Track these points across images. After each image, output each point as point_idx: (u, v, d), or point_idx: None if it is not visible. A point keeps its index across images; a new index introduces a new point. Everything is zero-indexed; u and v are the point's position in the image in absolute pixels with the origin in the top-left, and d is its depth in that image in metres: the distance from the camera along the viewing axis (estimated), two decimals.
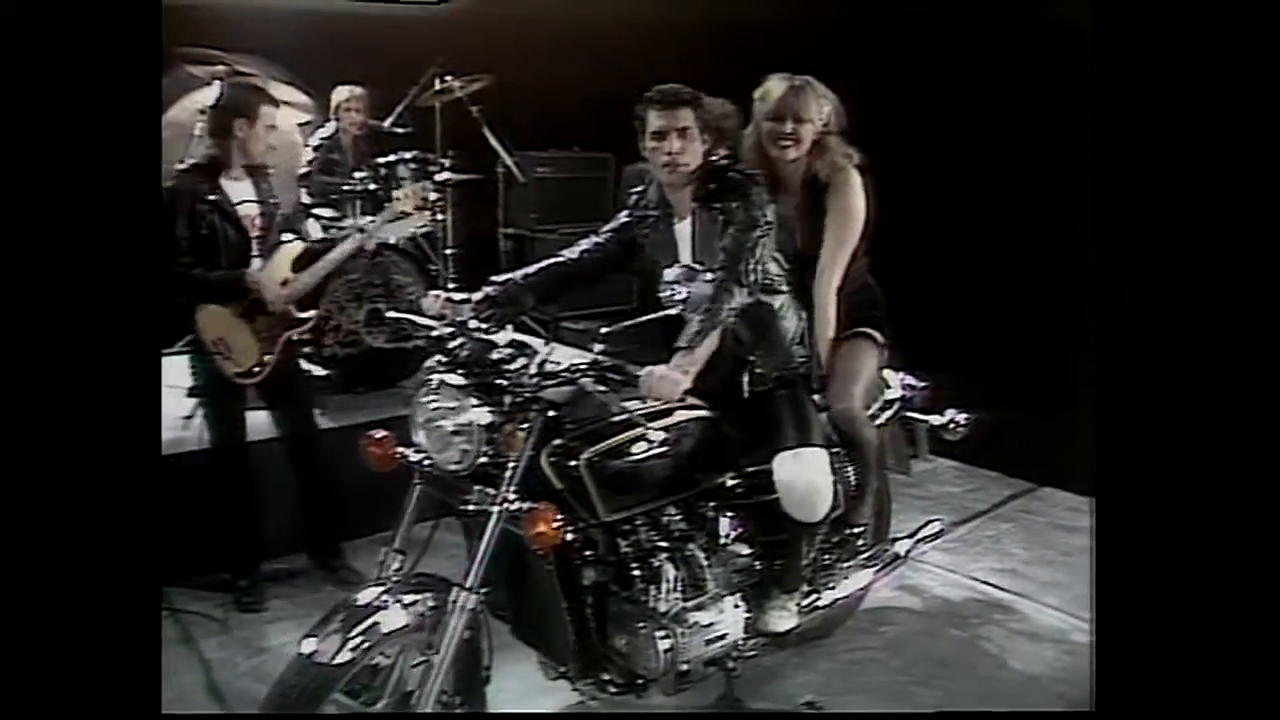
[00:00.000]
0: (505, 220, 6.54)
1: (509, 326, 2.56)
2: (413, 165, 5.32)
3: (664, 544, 2.59)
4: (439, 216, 5.55)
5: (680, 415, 2.62)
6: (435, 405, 2.36)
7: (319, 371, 4.75)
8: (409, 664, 2.26)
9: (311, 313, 3.76)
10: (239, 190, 3.54)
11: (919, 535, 3.39)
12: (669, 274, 2.58)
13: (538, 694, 2.84)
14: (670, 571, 2.57)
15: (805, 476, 2.66)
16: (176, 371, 4.51)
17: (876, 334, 3.01)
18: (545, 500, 2.27)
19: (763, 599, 2.78)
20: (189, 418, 4.07)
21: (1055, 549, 4.13)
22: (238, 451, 3.68)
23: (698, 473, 2.68)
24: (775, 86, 2.88)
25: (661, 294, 2.57)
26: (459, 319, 2.55)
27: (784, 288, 2.77)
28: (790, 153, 2.86)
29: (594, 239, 2.85)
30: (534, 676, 2.71)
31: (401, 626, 2.18)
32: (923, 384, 3.33)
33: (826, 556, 3.02)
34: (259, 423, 3.77)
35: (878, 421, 3.10)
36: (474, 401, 2.30)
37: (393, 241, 4.73)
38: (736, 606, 2.69)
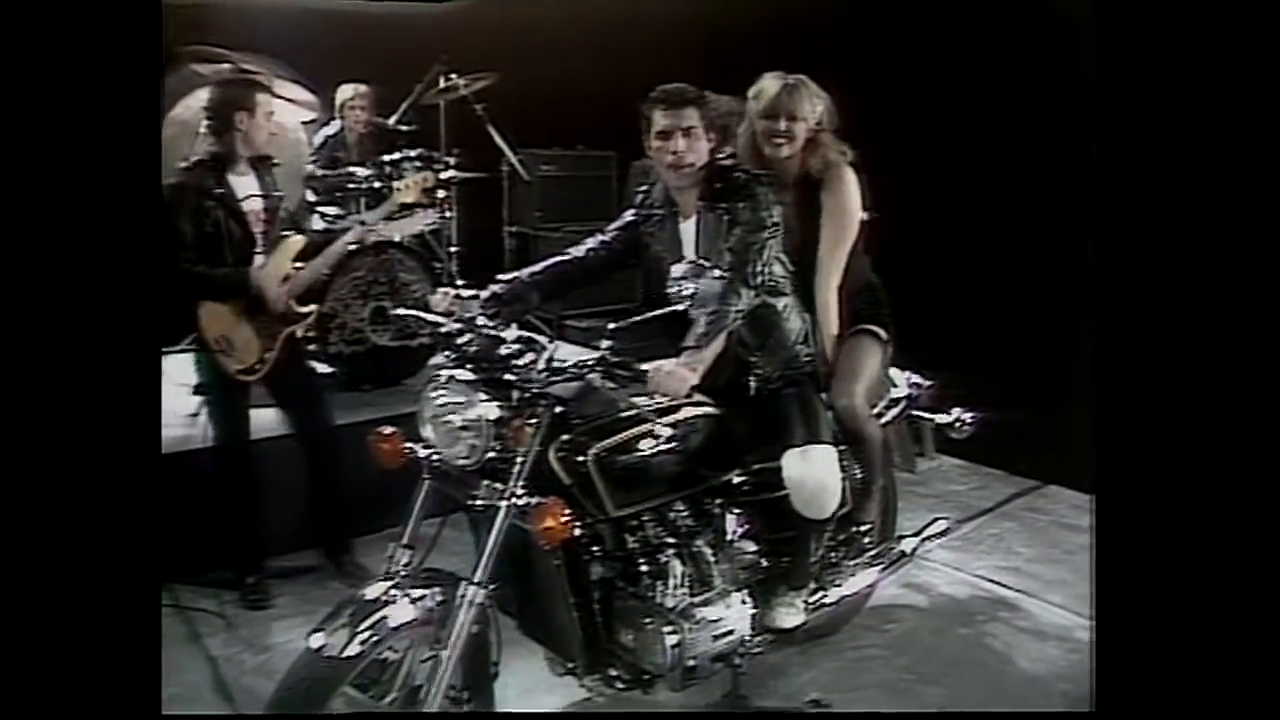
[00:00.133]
0: (509, 218, 6.55)
1: (514, 325, 2.56)
2: (417, 163, 5.33)
3: (671, 540, 2.60)
4: (447, 214, 5.56)
5: (687, 412, 2.62)
6: (444, 401, 2.36)
7: (324, 369, 4.76)
8: (417, 659, 2.26)
9: (312, 307, 3.76)
10: (244, 185, 3.55)
11: (925, 533, 3.38)
12: (676, 270, 2.59)
13: (545, 689, 2.84)
14: (677, 567, 2.57)
15: (814, 474, 2.66)
16: (182, 369, 4.53)
17: (880, 331, 3.01)
18: (553, 496, 2.27)
19: (770, 595, 2.78)
20: (194, 415, 4.08)
21: (1059, 547, 4.13)
22: (242, 449, 3.68)
23: (705, 469, 2.68)
24: (769, 85, 2.89)
25: (669, 290, 2.58)
26: (467, 315, 2.56)
27: (787, 289, 2.77)
28: (784, 150, 2.87)
29: (600, 237, 2.86)
30: (541, 672, 2.71)
31: (410, 621, 2.19)
32: (929, 382, 3.34)
33: (833, 554, 3.03)
34: (264, 420, 3.77)
35: (884, 420, 3.11)
36: (482, 397, 2.30)
37: (398, 239, 4.73)
38: (744, 603, 2.70)
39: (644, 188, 2.84)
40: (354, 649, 2.11)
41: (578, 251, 2.84)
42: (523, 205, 6.57)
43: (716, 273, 2.51)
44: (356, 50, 5.98)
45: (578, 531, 2.30)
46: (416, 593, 2.23)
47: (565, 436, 2.42)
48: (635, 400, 2.40)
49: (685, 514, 2.65)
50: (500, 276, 2.77)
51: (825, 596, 2.96)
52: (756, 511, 2.80)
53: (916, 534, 3.37)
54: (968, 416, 3.33)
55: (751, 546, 2.80)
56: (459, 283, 4.91)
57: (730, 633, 2.64)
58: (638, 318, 2.45)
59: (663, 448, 2.54)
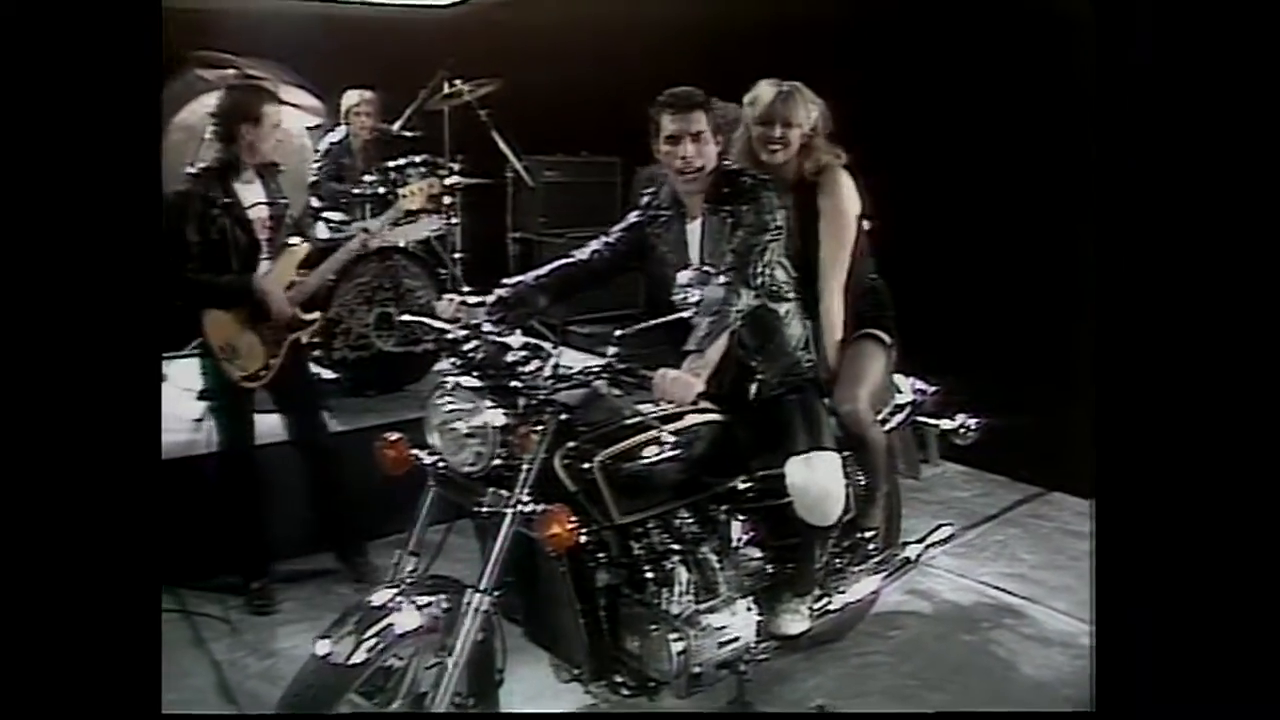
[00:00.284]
0: (513, 224, 6.56)
1: (519, 329, 2.57)
2: (422, 169, 5.34)
3: (677, 547, 2.60)
4: (452, 220, 5.57)
5: (692, 418, 2.62)
6: (450, 407, 2.37)
7: (329, 375, 4.77)
8: (423, 665, 2.27)
9: (316, 314, 3.77)
10: (250, 193, 3.55)
11: (929, 539, 3.39)
12: (682, 277, 2.59)
13: (550, 696, 2.84)
14: (683, 574, 2.57)
15: (817, 480, 2.66)
16: (187, 375, 4.54)
17: (884, 336, 3.02)
18: (558, 503, 2.27)
19: (775, 602, 2.78)
20: (199, 420, 4.08)
21: (1064, 554, 4.13)
22: (247, 454, 3.68)
23: (710, 476, 2.68)
24: (764, 92, 2.92)
25: (674, 297, 2.58)
26: (473, 322, 2.56)
27: (789, 294, 2.78)
28: (779, 156, 2.90)
29: (605, 239, 2.86)
30: (546, 679, 2.71)
31: (416, 628, 2.19)
32: (933, 388, 3.34)
33: (838, 560, 3.03)
34: (268, 425, 3.77)
35: (888, 426, 3.11)
36: (489, 403, 2.31)
37: (403, 245, 4.74)
38: (749, 609, 2.70)
39: (650, 189, 2.85)
40: (360, 656, 2.11)
41: (582, 254, 2.85)
42: (527, 211, 6.58)
43: (722, 279, 2.51)
44: (361, 56, 5.99)
45: (583, 538, 2.30)
46: (422, 599, 2.23)
47: (571, 443, 2.42)
48: (640, 407, 2.41)
49: (690, 521, 2.65)
50: (505, 280, 2.78)
51: (830, 603, 2.95)
52: (761, 518, 2.80)
53: (921, 540, 3.37)
54: (972, 422, 3.33)
55: (757, 553, 2.80)
56: (464, 288, 4.92)
57: (735, 639, 2.64)
58: (643, 325, 2.45)
59: (668, 454, 2.54)
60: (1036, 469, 4.79)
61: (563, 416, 2.37)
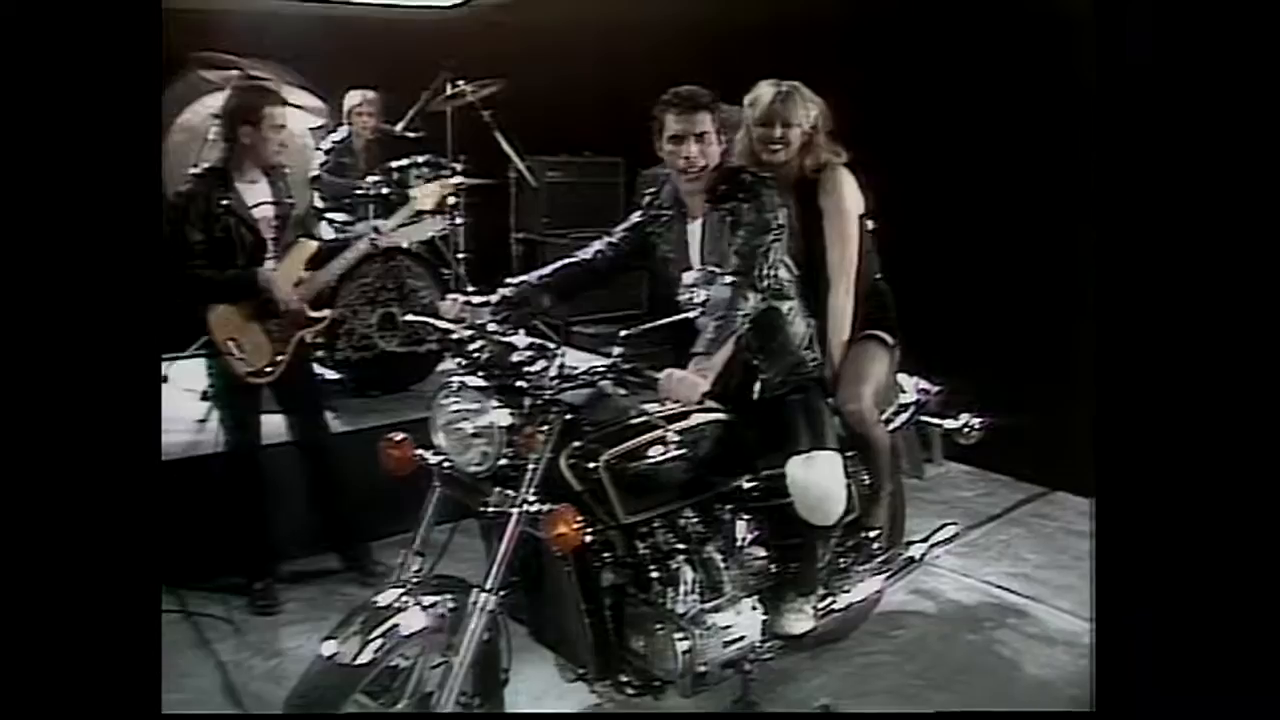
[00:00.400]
0: (517, 225, 6.56)
1: (523, 329, 2.57)
2: (425, 169, 5.34)
3: (682, 546, 2.60)
4: (457, 220, 5.57)
5: (697, 418, 2.63)
6: (456, 407, 2.37)
7: (332, 375, 4.77)
8: (429, 665, 2.27)
9: (325, 312, 3.78)
10: (255, 192, 3.56)
11: (933, 539, 3.39)
12: (688, 277, 2.59)
13: (555, 696, 2.85)
14: (688, 574, 2.57)
15: (817, 481, 2.66)
16: (189, 375, 4.56)
17: (886, 336, 3.02)
18: (564, 503, 2.27)
19: (779, 601, 2.78)
20: (203, 421, 4.09)
21: (1067, 553, 4.13)
22: (252, 454, 3.68)
23: (715, 475, 2.69)
24: (764, 93, 2.94)
25: (680, 297, 2.58)
26: (478, 322, 2.56)
27: (792, 293, 2.78)
28: (780, 156, 2.92)
29: (607, 238, 2.87)
30: (552, 678, 2.72)
31: (421, 628, 2.20)
32: (936, 388, 3.34)
33: (842, 560, 3.03)
34: (271, 425, 3.78)
35: (892, 426, 3.11)
36: (494, 403, 2.31)
37: (405, 245, 4.75)
38: (754, 609, 2.70)
39: (652, 190, 2.85)
40: (366, 656, 2.12)
41: (585, 254, 2.85)
42: (530, 211, 6.58)
43: (727, 279, 2.51)
44: (364, 56, 5.99)
45: (589, 538, 2.30)
46: (428, 600, 2.23)
47: (576, 443, 2.42)
48: (646, 407, 2.41)
49: (696, 520, 2.65)
50: (508, 280, 2.78)
51: (834, 602, 2.96)
52: (766, 517, 2.80)
53: (925, 540, 3.37)
54: (976, 422, 3.33)
55: (761, 552, 2.80)
56: (469, 288, 4.93)
57: (740, 639, 2.65)
58: (649, 325, 2.45)
59: (673, 454, 2.54)
60: (1039, 468, 4.79)
61: (568, 416, 2.37)
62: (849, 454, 2.88)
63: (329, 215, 5.37)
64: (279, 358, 3.60)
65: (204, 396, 4.32)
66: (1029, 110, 4.50)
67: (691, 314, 2.50)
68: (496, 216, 6.39)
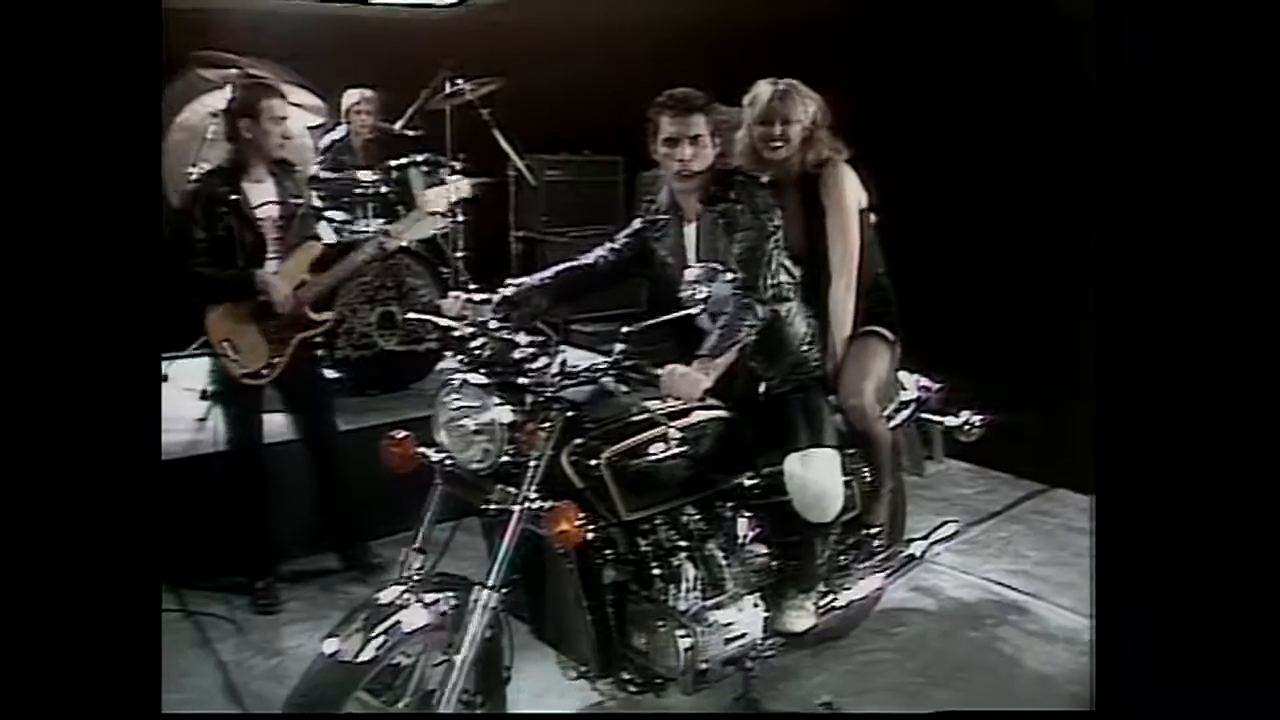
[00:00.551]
0: (516, 223, 6.55)
1: (523, 331, 2.57)
2: (424, 168, 5.33)
3: (683, 543, 2.60)
4: (457, 218, 5.57)
5: (699, 415, 2.62)
6: (458, 404, 2.37)
7: (331, 374, 4.76)
8: (430, 663, 2.27)
9: (327, 315, 3.76)
10: (260, 192, 3.55)
11: (933, 536, 3.39)
12: (690, 274, 2.59)
13: (557, 693, 2.85)
14: (690, 571, 2.58)
15: (815, 478, 2.66)
16: (190, 375, 4.55)
17: (887, 332, 3.02)
18: (566, 500, 2.26)
19: (780, 599, 2.78)
20: (202, 420, 4.09)
21: (1068, 550, 4.13)
22: (253, 453, 3.68)
23: (716, 473, 2.69)
24: (762, 91, 2.95)
25: (681, 294, 2.58)
26: (480, 319, 2.56)
27: (792, 294, 2.78)
28: (781, 153, 2.93)
29: (610, 244, 2.87)
30: (553, 676, 2.71)
31: (423, 625, 2.19)
32: (937, 385, 3.34)
33: (843, 557, 3.04)
34: (271, 424, 3.77)
35: (893, 423, 3.11)
36: (496, 400, 2.31)
37: (404, 244, 4.74)
38: (755, 606, 2.70)
39: (650, 196, 2.86)
40: (368, 654, 2.11)
41: (587, 259, 2.86)
42: (529, 210, 6.57)
43: (729, 275, 2.51)
44: (362, 55, 5.98)
45: (591, 535, 2.30)
46: (430, 597, 2.23)
47: (578, 440, 2.42)
48: (648, 404, 2.41)
49: (697, 517, 2.66)
50: (510, 281, 2.78)
51: (835, 600, 2.96)
52: (767, 515, 2.80)
53: (925, 537, 3.37)
54: (977, 419, 3.34)
55: (763, 550, 2.80)
56: (470, 286, 4.92)
57: (742, 636, 2.65)
58: (651, 321, 2.45)
59: (674, 451, 2.54)
60: (1040, 465, 4.79)
61: (570, 413, 2.38)
62: (850, 451, 2.88)
63: (327, 214, 5.35)
64: (276, 360, 3.58)
65: (204, 395, 4.33)
66: (1028, 110, 4.50)
67: (694, 310, 2.50)
68: (496, 215, 6.39)
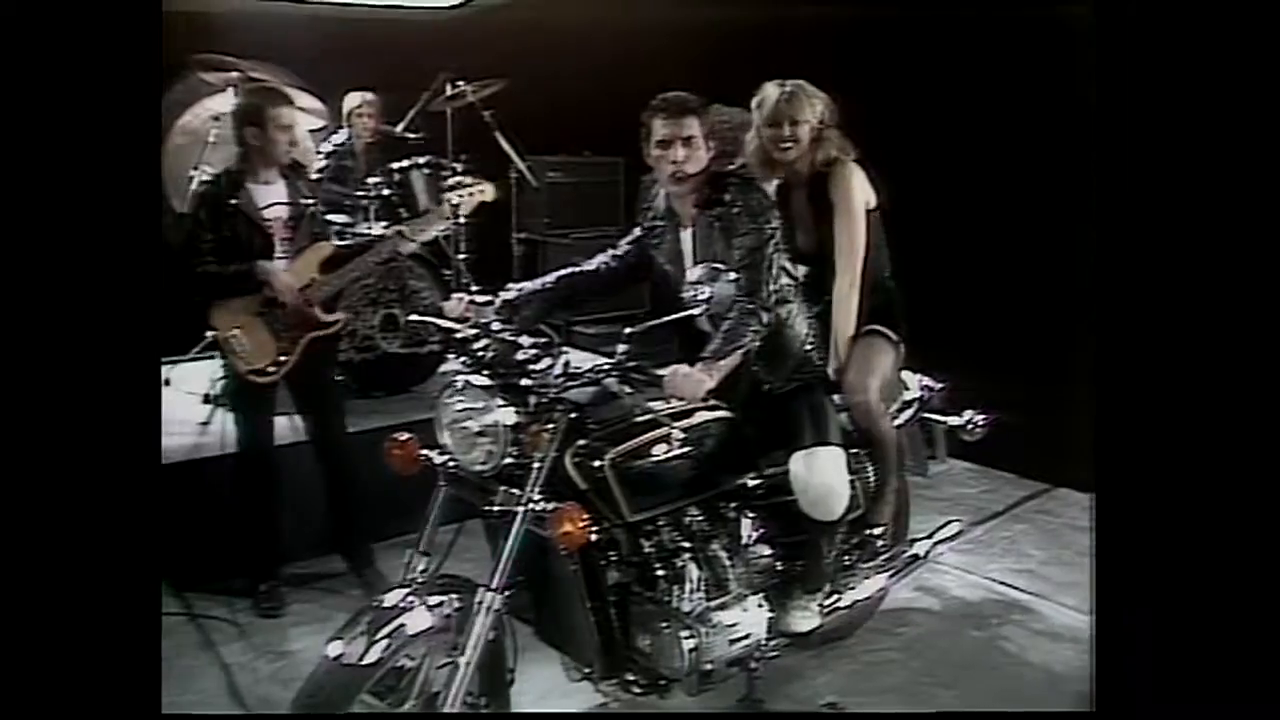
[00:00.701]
0: (517, 225, 6.54)
1: (525, 335, 2.57)
2: (426, 171, 5.32)
3: (687, 544, 2.60)
4: (460, 220, 5.56)
5: (702, 415, 2.63)
6: (461, 406, 2.37)
7: (335, 376, 4.76)
8: (435, 665, 2.26)
9: (338, 315, 3.75)
10: (269, 193, 3.53)
11: (937, 536, 3.39)
12: (692, 274, 2.59)
13: (561, 695, 2.85)
14: (694, 572, 2.57)
15: (820, 476, 2.67)
16: (192, 378, 4.55)
17: (890, 332, 3.02)
18: (570, 501, 2.27)
19: (785, 599, 2.78)
20: (205, 423, 4.09)
21: (1071, 549, 4.13)
22: (261, 455, 3.66)
23: (719, 473, 2.69)
24: (769, 93, 2.97)
25: (683, 294, 2.58)
26: (483, 321, 2.56)
27: (793, 296, 2.78)
28: (791, 153, 2.95)
29: (612, 251, 2.89)
30: (557, 677, 2.71)
31: (427, 628, 2.19)
32: (940, 385, 3.34)
33: (847, 557, 3.03)
34: (276, 427, 3.76)
35: (896, 422, 3.11)
36: (500, 402, 2.31)
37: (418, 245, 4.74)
38: (760, 606, 2.70)
39: (647, 204, 2.87)
40: (372, 656, 2.11)
41: (589, 265, 2.87)
42: (531, 212, 6.57)
43: (731, 276, 2.51)
44: (364, 58, 5.97)
45: (594, 536, 2.29)
46: (434, 599, 2.23)
47: (582, 442, 2.42)
48: (651, 405, 2.41)
49: (701, 518, 2.65)
50: (512, 285, 2.78)
51: (839, 600, 2.96)
52: (771, 515, 2.80)
53: (929, 537, 3.37)
54: (980, 419, 3.33)
55: (767, 550, 2.80)
56: (473, 288, 4.92)
57: (746, 636, 2.65)
58: (653, 322, 2.45)
59: (678, 452, 2.54)
60: (1043, 465, 4.79)
61: (573, 414, 2.37)
62: (854, 450, 2.88)
63: (329, 217, 5.34)
64: (283, 358, 3.56)
65: (206, 399, 4.33)
66: (1030, 112, 4.50)
67: (696, 310, 2.50)
68: (497, 216, 6.38)
